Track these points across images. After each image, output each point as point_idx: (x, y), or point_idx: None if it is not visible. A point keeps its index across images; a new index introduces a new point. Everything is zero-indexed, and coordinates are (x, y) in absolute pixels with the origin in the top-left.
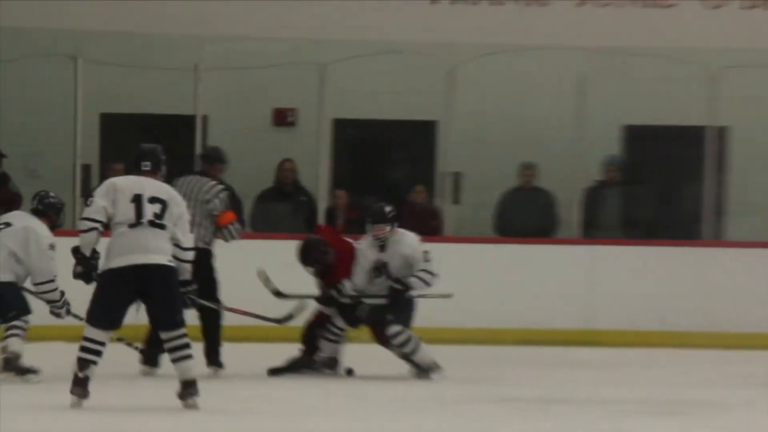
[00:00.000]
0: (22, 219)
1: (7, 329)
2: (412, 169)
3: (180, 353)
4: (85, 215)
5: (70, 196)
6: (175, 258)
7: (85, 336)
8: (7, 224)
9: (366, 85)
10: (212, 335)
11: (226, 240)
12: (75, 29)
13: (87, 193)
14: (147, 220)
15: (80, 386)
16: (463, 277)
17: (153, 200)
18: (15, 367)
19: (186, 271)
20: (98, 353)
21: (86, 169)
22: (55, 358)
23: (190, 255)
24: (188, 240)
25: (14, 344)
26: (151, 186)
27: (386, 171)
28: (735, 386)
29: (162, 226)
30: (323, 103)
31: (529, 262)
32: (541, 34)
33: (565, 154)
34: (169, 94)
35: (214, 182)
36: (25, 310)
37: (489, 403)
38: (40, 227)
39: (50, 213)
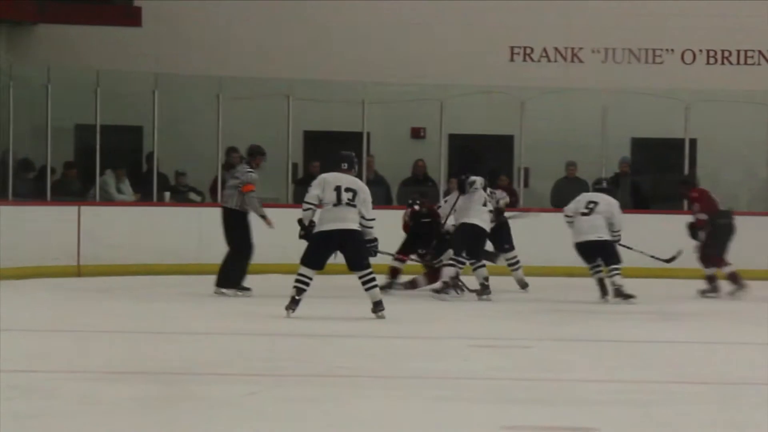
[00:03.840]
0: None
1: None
2: (498, 165)
3: (369, 284)
4: (305, 199)
5: (285, 184)
6: (362, 226)
7: (300, 273)
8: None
9: (469, 112)
10: (229, 267)
11: (245, 204)
12: (287, 78)
13: (297, 181)
14: (344, 201)
15: (294, 304)
16: (529, 235)
17: (348, 189)
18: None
19: (370, 233)
20: (308, 284)
21: (294, 166)
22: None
23: (371, 224)
24: (370, 214)
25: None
26: (347, 179)
27: (482, 166)
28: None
29: (353, 206)
30: (442, 124)
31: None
32: (579, 79)
33: (594, 156)
34: (346, 119)
35: (248, 168)
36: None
37: (543, 312)
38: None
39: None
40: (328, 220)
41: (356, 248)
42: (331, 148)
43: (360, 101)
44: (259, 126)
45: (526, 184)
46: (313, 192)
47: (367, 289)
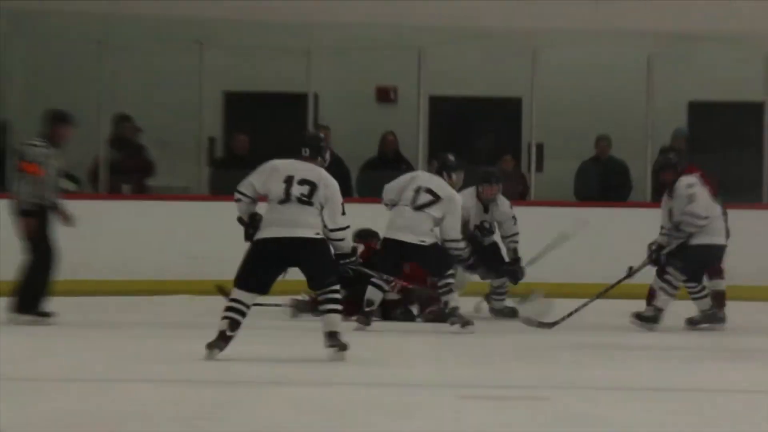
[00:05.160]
0: None
1: None
2: (500, 141)
3: (327, 305)
4: (237, 187)
5: (197, 166)
6: (328, 237)
7: (232, 297)
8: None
9: (458, 66)
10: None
11: None
12: (199, 18)
13: (214, 162)
14: (294, 197)
15: (223, 341)
16: (545, 238)
17: (303, 182)
18: None
19: (341, 246)
20: (243, 314)
21: (211, 141)
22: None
23: (340, 234)
24: (338, 220)
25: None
26: (305, 169)
27: (477, 142)
28: None
29: (308, 204)
30: (420, 82)
31: (604, 224)
32: (615, 19)
33: (636, 127)
34: (284, 75)
35: (38, 141)
36: None
37: (569, 349)
38: None
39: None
40: (270, 224)
41: (315, 262)
42: (263, 116)
43: (305, 50)
44: (160, 85)
45: (538, 167)
46: (250, 179)
47: (322, 311)
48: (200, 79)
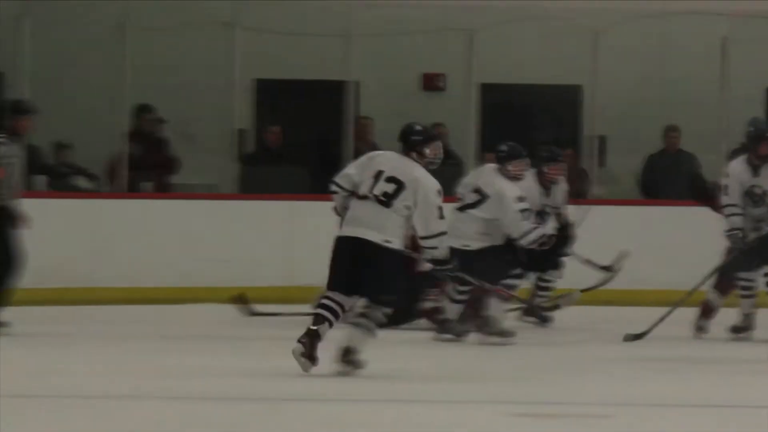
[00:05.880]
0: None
1: None
2: (558, 133)
3: (361, 320)
4: (334, 178)
5: (226, 160)
6: (421, 246)
7: (323, 296)
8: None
9: (512, 50)
10: None
11: None
12: None
13: (245, 158)
14: (373, 195)
15: (312, 338)
16: (608, 238)
17: (390, 180)
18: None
19: (432, 254)
20: (334, 312)
21: (242, 133)
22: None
23: (432, 241)
24: (432, 226)
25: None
26: (397, 165)
27: (533, 135)
28: None
29: (387, 205)
30: (471, 68)
31: (674, 224)
32: None
33: (709, 117)
34: (321, 60)
35: None
36: None
37: (620, 362)
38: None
39: None
40: (347, 221)
41: (374, 274)
42: (298, 106)
43: (344, 34)
44: (186, 72)
45: (601, 162)
46: (347, 170)
47: (353, 324)
48: (230, 65)
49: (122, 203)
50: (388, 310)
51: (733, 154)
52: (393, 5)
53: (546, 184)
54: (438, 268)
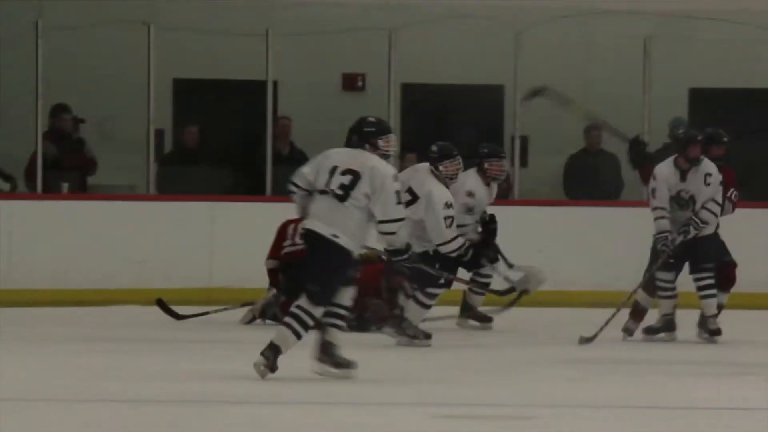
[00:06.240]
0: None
1: None
2: (479, 133)
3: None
4: (290, 178)
5: (144, 161)
6: (379, 231)
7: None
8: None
9: (433, 49)
10: None
11: None
12: None
13: (162, 158)
14: (329, 189)
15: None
16: (531, 240)
17: (347, 172)
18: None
19: (392, 240)
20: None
21: (159, 133)
22: None
23: (386, 227)
24: (385, 211)
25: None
26: (353, 157)
27: (454, 135)
28: None
29: (343, 198)
30: (392, 68)
31: (597, 224)
32: None
33: (632, 117)
34: (241, 60)
35: None
36: None
37: (556, 364)
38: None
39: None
40: (309, 216)
41: (313, 261)
42: (217, 106)
43: (263, 33)
44: (103, 72)
45: (523, 162)
46: (302, 169)
47: (324, 323)
48: (148, 65)
49: (39, 204)
50: (318, 310)
51: (657, 154)
52: (313, 4)
53: (487, 181)
54: (396, 258)
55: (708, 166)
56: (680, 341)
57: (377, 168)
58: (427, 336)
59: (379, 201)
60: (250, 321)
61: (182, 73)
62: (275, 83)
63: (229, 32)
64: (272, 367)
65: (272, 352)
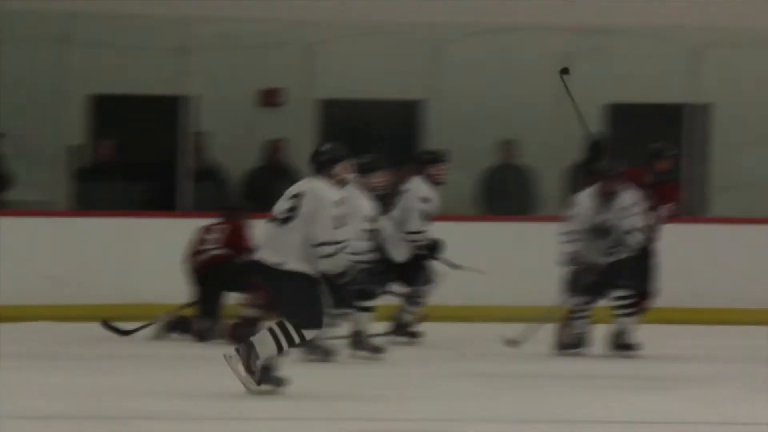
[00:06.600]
0: None
1: None
2: (398, 148)
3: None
4: None
5: (60, 177)
6: (316, 255)
7: None
8: None
9: (352, 65)
10: None
11: None
12: (64, 11)
13: (79, 173)
14: (276, 216)
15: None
16: (446, 254)
17: (290, 197)
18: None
19: (328, 267)
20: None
21: (75, 149)
22: None
23: (322, 250)
24: (322, 233)
25: None
26: (300, 184)
27: (373, 150)
28: (735, 360)
29: (287, 221)
30: (310, 84)
31: (512, 239)
32: (525, 13)
33: (548, 132)
34: (158, 75)
35: None
36: None
37: (475, 377)
38: None
39: None
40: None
41: (277, 295)
42: (133, 122)
43: (179, 48)
44: (17, 87)
45: None
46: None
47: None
48: (62, 80)
49: None
50: (304, 333)
51: (575, 169)
52: (230, 20)
53: (432, 186)
54: (335, 282)
55: (627, 197)
56: (596, 355)
57: (317, 190)
58: (330, 353)
59: (316, 222)
60: (161, 335)
61: (99, 89)
62: (193, 99)
63: (147, 48)
64: (247, 366)
65: (245, 348)
